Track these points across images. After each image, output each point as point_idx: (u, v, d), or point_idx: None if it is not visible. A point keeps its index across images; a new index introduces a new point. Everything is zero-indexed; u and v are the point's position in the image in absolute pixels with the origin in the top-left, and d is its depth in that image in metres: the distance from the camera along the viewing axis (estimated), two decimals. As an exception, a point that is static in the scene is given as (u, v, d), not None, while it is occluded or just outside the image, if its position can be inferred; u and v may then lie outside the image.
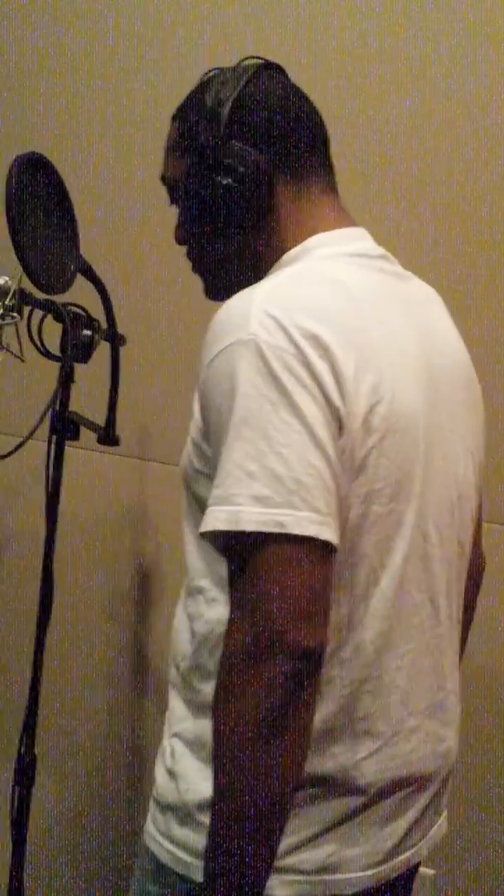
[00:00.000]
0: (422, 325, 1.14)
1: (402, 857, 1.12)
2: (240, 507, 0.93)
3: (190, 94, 1.18)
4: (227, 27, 1.85)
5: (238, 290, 1.14)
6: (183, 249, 1.22)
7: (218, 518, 0.94)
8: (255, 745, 0.91)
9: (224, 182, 1.10)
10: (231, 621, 0.95)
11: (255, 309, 0.99)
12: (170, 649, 1.20)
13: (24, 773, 1.61)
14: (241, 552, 0.94)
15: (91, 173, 2.01)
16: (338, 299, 1.03)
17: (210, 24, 1.87)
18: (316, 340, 0.97)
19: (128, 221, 1.97)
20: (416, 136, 1.74)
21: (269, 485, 0.93)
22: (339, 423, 0.97)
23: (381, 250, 1.16)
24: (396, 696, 1.08)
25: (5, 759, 2.02)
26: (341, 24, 1.75)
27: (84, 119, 2.01)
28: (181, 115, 1.17)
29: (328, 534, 0.94)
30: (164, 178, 1.20)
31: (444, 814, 1.23)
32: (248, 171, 1.09)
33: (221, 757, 0.94)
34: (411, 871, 1.20)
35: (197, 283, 1.23)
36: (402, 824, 1.11)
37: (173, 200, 1.21)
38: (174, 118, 1.19)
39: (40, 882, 2.12)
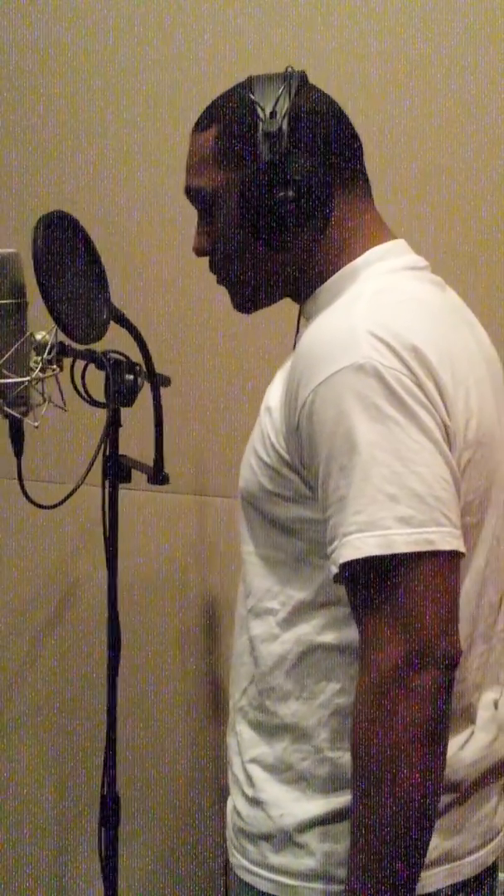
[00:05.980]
0: (474, 334, 1.16)
1: (495, 841, 1.16)
2: (389, 530, 0.95)
3: (223, 103, 1.15)
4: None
5: (270, 303, 1.18)
6: (198, 270, 1.19)
7: (368, 544, 0.96)
8: (419, 757, 0.94)
9: (287, 196, 1.08)
10: (376, 640, 0.96)
11: (361, 330, 1.00)
12: (231, 675, 1.22)
13: (109, 814, 1.65)
14: (384, 573, 0.96)
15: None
16: (426, 318, 1.05)
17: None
18: (422, 360, 0.99)
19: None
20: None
21: (411, 505, 0.95)
22: (448, 440, 1.00)
23: (424, 261, 1.17)
24: (477, 694, 1.12)
25: (86, 799, 2.03)
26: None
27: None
28: (222, 125, 1.13)
29: (462, 546, 0.98)
30: (195, 190, 1.17)
31: None
32: (311, 184, 1.08)
33: (378, 773, 0.95)
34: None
35: (231, 313, 1.22)
36: (489, 808, 1.15)
37: (206, 213, 1.18)
38: (205, 128, 1.15)
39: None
